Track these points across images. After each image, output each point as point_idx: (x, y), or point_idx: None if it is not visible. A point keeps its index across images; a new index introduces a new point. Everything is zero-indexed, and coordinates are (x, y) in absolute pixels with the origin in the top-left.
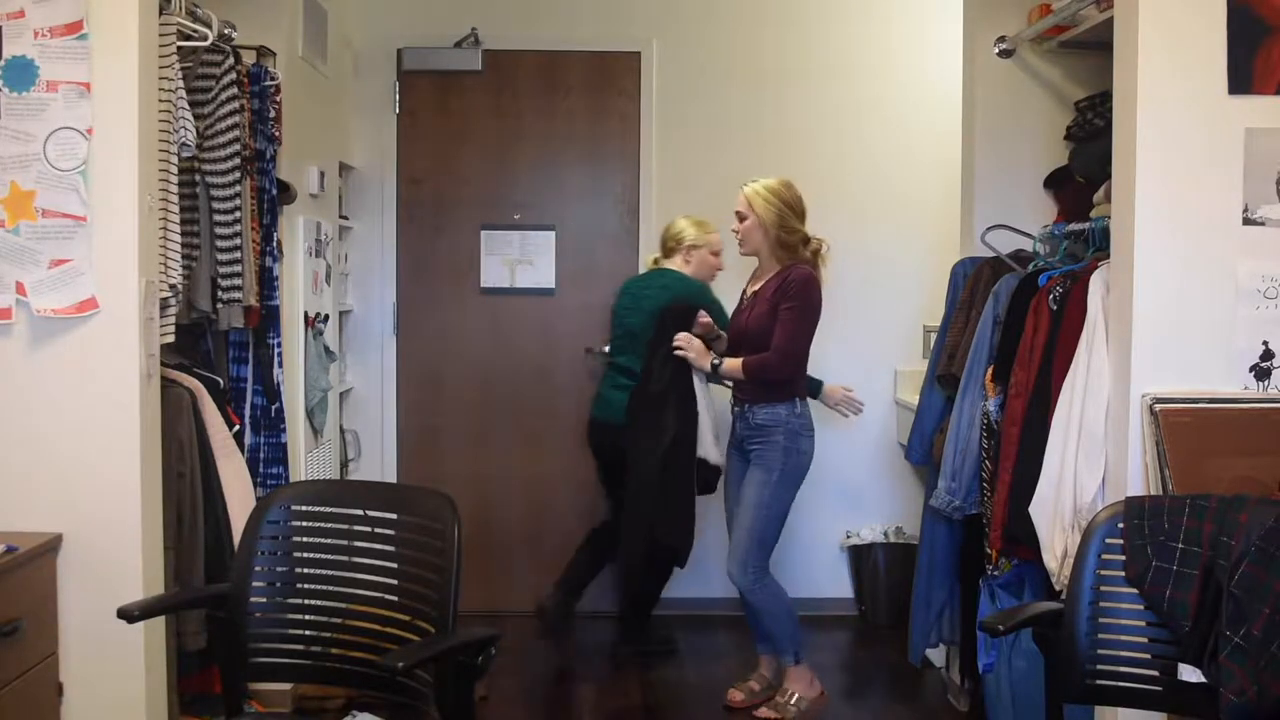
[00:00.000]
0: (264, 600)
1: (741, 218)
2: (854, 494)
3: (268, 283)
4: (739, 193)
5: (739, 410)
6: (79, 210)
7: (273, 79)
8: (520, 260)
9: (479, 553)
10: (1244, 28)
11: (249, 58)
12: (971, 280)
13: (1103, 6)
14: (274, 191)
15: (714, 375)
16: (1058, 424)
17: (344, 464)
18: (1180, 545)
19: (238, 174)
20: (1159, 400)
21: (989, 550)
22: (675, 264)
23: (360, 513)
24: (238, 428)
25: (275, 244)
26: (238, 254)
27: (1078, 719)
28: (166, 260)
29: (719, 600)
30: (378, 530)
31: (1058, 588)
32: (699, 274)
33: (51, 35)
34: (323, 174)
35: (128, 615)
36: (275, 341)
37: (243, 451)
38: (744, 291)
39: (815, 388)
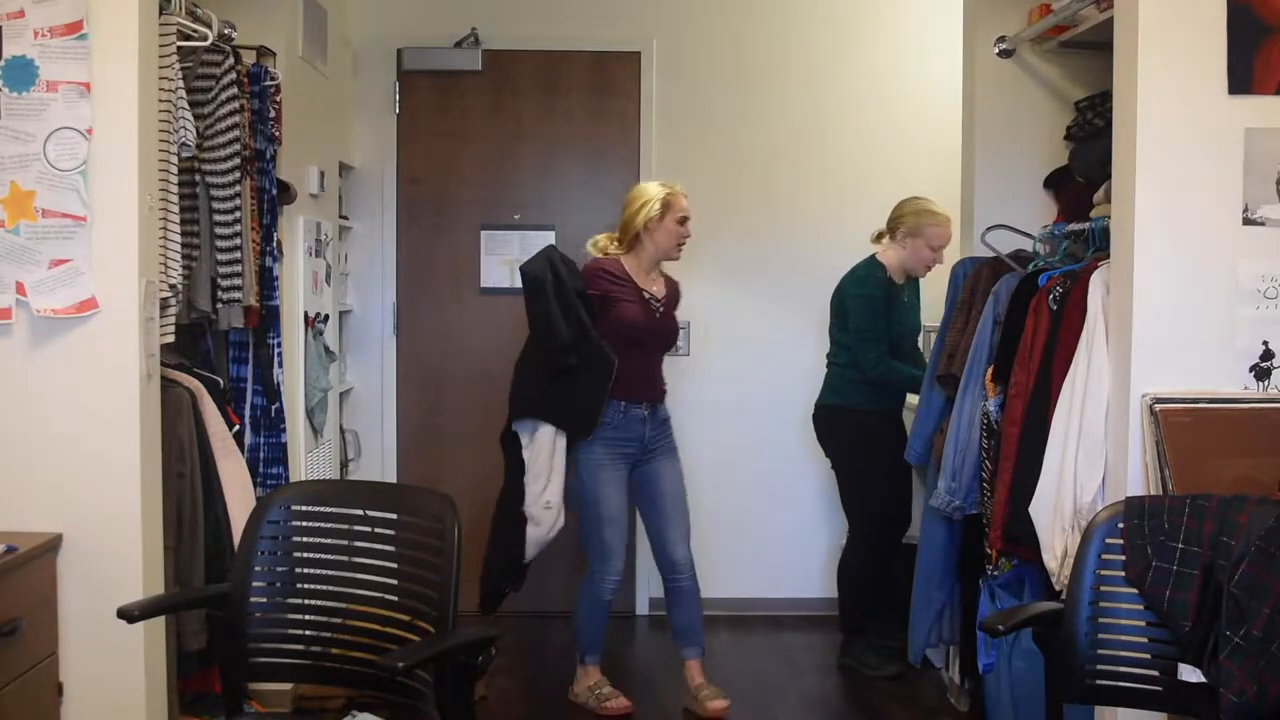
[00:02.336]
0: (264, 600)
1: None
2: None
3: (268, 283)
4: (682, 196)
5: (649, 412)
6: (79, 210)
7: (273, 79)
8: (520, 260)
9: (479, 553)
10: (1244, 28)
11: (249, 58)
12: (971, 280)
13: (1103, 6)
14: (274, 191)
15: None
16: (1058, 424)
17: (344, 464)
18: (1180, 545)
19: (238, 174)
20: (1159, 400)
21: (989, 550)
22: (886, 248)
23: (360, 513)
24: (238, 428)
25: (275, 244)
26: (238, 254)
27: (1078, 719)
28: (166, 260)
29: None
30: (378, 530)
31: (1058, 588)
32: (908, 264)
33: (51, 35)
34: (323, 174)
35: (128, 615)
36: (275, 341)
37: (243, 451)
38: (640, 290)
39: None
